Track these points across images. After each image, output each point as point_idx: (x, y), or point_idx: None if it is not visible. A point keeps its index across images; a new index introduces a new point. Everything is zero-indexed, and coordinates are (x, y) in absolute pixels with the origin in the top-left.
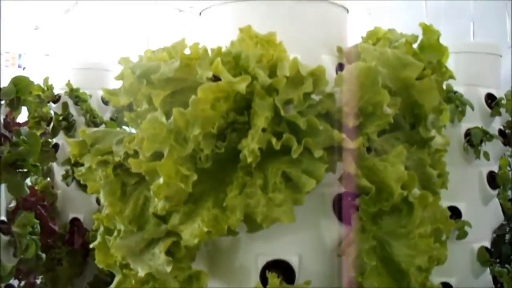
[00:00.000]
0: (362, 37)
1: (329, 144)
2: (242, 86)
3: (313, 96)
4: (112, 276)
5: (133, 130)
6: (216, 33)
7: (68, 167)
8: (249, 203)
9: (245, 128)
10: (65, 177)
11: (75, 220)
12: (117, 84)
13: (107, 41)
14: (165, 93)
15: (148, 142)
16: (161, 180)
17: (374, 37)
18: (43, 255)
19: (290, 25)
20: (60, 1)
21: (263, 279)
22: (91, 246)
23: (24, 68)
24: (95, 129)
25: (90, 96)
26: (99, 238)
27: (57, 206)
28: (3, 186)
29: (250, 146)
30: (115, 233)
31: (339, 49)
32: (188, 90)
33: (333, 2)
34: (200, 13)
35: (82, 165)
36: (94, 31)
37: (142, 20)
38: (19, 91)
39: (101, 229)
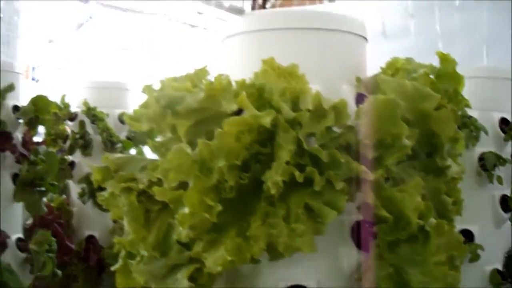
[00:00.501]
0: (381, 68)
1: (349, 175)
2: (266, 120)
3: (334, 128)
4: None
5: (151, 154)
6: (238, 61)
7: (85, 185)
8: (272, 233)
9: (268, 160)
10: (81, 195)
11: (90, 238)
12: (135, 104)
13: (120, 56)
14: (189, 123)
15: (173, 173)
16: (186, 210)
17: (393, 67)
18: (59, 272)
19: (311, 55)
20: (73, 15)
21: None
22: (112, 268)
23: (37, 81)
24: (118, 155)
25: (107, 115)
26: (120, 262)
27: (73, 224)
28: (20, 204)
29: (274, 178)
30: (138, 258)
31: (358, 80)
32: (211, 120)
33: (352, 32)
34: (222, 41)
35: (104, 189)
36: (107, 46)
37: (155, 36)
38: (38, 110)
39: (123, 253)
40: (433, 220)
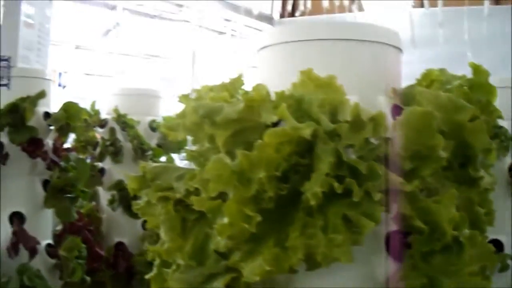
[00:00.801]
0: (416, 79)
1: (385, 186)
2: (307, 132)
3: (371, 139)
4: None
5: (180, 162)
6: (273, 72)
7: (115, 192)
8: (310, 244)
9: (307, 171)
10: (111, 201)
11: (120, 244)
12: (165, 111)
13: (147, 62)
14: (228, 134)
15: (213, 183)
16: (225, 220)
17: (428, 78)
18: (88, 279)
19: (348, 66)
20: (101, 21)
21: None
22: (146, 277)
23: (64, 87)
24: (155, 164)
25: (138, 122)
26: (155, 270)
27: (102, 230)
28: (51, 210)
29: (313, 189)
30: (174, 267)
31: (394, 91)
32: (249, 131)
33: (389, 43)
34: (257, 51)
35: (137, 197)
36: (134, 52)
37: (182, 42)
38: (69, 117)
39: (158, 261)
40: (466, 231)
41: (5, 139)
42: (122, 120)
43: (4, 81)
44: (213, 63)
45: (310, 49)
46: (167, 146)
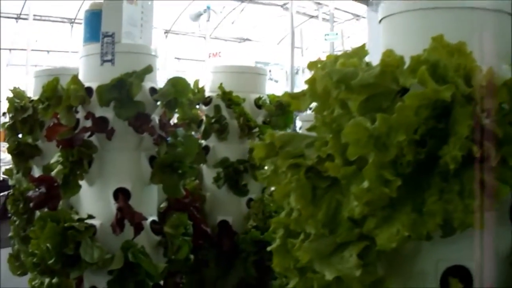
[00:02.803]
0: None
1: None
2: (447, 94)
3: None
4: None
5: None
6: (399, 40)
7: (220, 170)
8: (447, 209)
9: (443, 135)
10: (216, 179)
11: (223, 223)
12: (269, 89)
13: (240, 46)
14: (362, 98)
15: (352, 147)
16: (365, 185)
17: None
18: (192, 257)
19: (473, 34)
20: (191, 5)
21: (444, 285)
22: (268, 249)
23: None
24: (282, 132)
25: (244, 99)
26: (278, 242)
27: (205, 209)
28: (156, 186)
29: (453, 153)
30: (301, 236)
31: None
32: (380, 97)
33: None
34: (379, 21)
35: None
36: (226, 36)
37: (273, 25)
38: (177, 92)
39: (280, 232)
40: None
41: (109, 115)
42: (228, 98)
43: (108, 57)
44: (306, 45)
45: (436, 17)
46: (273, 123)
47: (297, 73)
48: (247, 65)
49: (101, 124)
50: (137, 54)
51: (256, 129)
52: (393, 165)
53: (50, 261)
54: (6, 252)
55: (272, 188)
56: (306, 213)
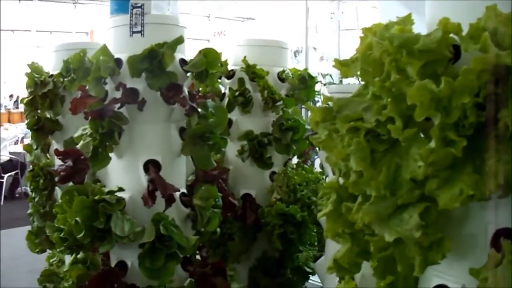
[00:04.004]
0: None
1: None
2: (508, 59)
3: None
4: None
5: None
6: (445, 10)
7: (245, 142)
8: (507, 169)
9: (501, 99)
10: (241, 152)
11: (247, 196)
12: (292, 63)
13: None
14: (421, 63)
15: (419, 109)
16: (431, 145)
17: None
18: (218, 230)
19: None
20: None
21: (496, 247)
22: (318, 216)
23: None
24: (339, 96)
25: (267, 72)
26: (330, 207)
27: (229, 182)
28: (185, 158)
29: None
30: (359, 199)
31: None
32: (435, 63)
33: None
34: None
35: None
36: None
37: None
38: (208, 63)
39: (333, 197)
40: None
41: (139, 86)
42: (252, 71)
43: (138, 28)
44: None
45: None
46: (296, 97)
47: (297, 53)
48: (270, 39)
49: (132, 95)
50: (167, 26)
51: (280, 102)
52: (456, 127)
53: (80, 235)
54: (6, 233)
55: (294, 161)
56: (367, 175)
